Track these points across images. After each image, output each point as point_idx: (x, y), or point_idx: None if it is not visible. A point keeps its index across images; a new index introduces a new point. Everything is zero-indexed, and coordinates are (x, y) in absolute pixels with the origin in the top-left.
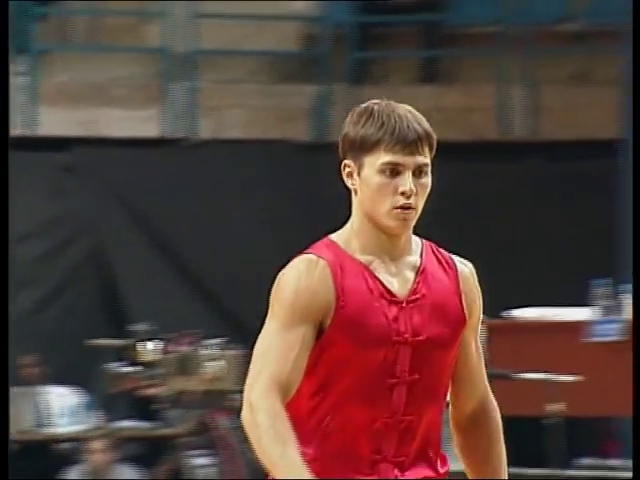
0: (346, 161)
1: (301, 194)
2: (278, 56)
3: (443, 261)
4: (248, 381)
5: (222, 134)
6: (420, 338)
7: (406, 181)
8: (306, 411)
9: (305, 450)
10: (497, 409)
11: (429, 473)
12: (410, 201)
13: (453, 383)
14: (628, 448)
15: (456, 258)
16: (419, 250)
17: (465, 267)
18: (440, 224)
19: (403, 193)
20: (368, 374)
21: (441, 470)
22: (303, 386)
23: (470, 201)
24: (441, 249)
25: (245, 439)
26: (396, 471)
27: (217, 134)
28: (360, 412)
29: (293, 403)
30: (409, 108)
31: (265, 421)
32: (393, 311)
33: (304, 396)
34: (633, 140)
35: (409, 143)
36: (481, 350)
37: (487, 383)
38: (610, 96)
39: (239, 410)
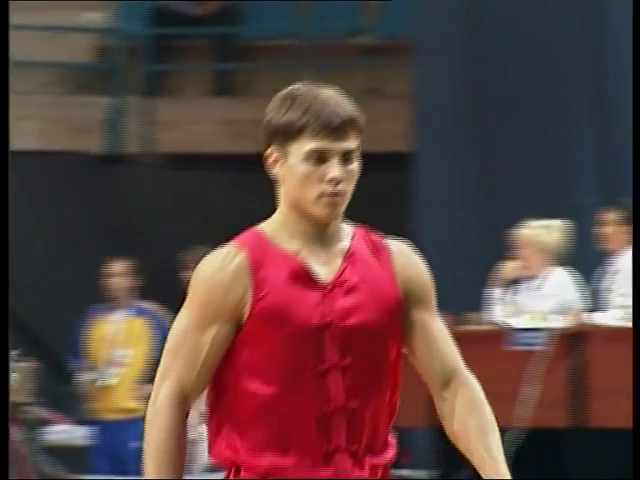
0: (270, 149)
1: (94, 206)
2: (71, 68)
3: (375, 244)
4: (157, 377)
5: (15, 145)
6: (347, 322)
7: (334, 168)
8: (249, 409)
9: (259, 451)
10: (474, 383)
11: (381, 461)
12: (339, 188)
13: (419, 365)
14: (420, 459)
15: (391, 240)
16: (350, 236)
17: (398, 247)
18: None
19: (331, 180)
20: (297, 362)
21: (388, 456)
22: (240, 386)
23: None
24: (374, 233)
25: (36, 451)
26: (352, 461)
27: (10, 145)
28: (299, 402)
29: (237, 403)
30: (334, 91)
31: (159, 434)
32: (317, 297)
33: (243, 396)
34: (633, 141)
35: (334, 129)
36: (443, 326)
37: (459, 359)
38: (401, 109)
39: (32, 422)
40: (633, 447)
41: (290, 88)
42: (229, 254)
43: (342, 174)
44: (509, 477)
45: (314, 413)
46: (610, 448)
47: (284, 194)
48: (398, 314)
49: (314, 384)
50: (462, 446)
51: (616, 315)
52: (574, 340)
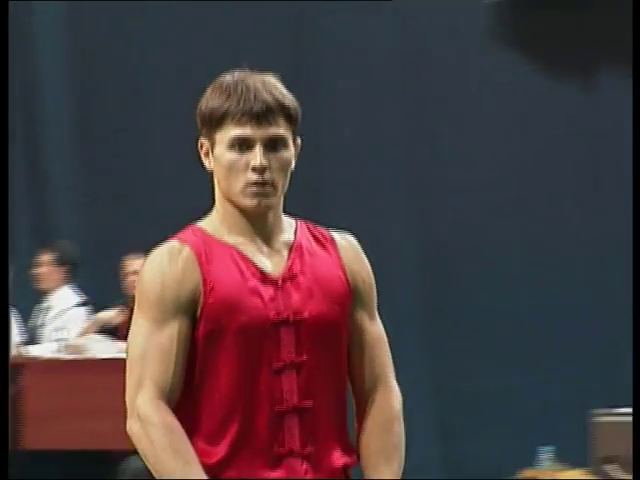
0: (201, 139)
1: None
2: None
3: (320, 237)
4: (129, 390)
5: None
6: (303, 316)
7: (256, 155)
8: (206, 405)
9: (210, 451)
10: (396, 395)
11: (338, 463)
12: (264, 177)
13: (349, 367)
14: None
15: (335, 232)
16: (292, 228)
17: (345, 240)
18: None
19: (255, 168)
20: (250, 360)
21: (349, 458)
22: (199, 381)
23: None
24: (318, 226)
25: None
26: (305, 465)
27: None
28: (252, 401)
29: (196, 398)
30: (263, 77)
31: (160, 437)
32: (269, 291)
33: (201, 391)
34: (633, 143)
35: (256, 114)
36: (379, 333)
37: (388, 367)
38: None
39: None
40: (633, 447)
41: (221, 76)
42: (174, 249)
43: (266, 162)
44: None
45: (267, 413)
46: (43, 467)
47: (217, 187)
48: (348, 307)
49: (268, 382)
50: (363, 460)
51: (50, 348)
52: (12, 371)
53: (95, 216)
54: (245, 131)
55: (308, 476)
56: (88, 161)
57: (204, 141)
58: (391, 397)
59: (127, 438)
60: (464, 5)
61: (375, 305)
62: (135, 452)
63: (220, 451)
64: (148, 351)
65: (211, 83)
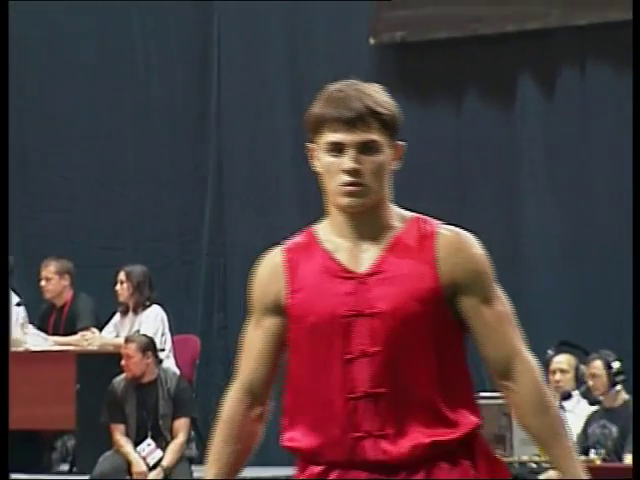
0: (309, 144)
1: None
2: None
3: (424, 233)
4: (236, 370)
5: None
6: (378, 310)
7: (348, 160)
8: (285, 399)
9: (295, 437)
10: (531, 371)
11: (423, 441)
12: (354, 179)
13: (479, 348)
14: None
15: (443, 227)
16: (401, 225)
17: (447, 234)
18: None
19: (346, 171)
20: (322, 352)
21: (440, 435)
22: (290, 378)
23: None
24: (430, 221)
25: None
26: (382, 445)
27: None
28: (325, 392)
29: (289, 393)
30: (362, 87)
31: (217, 431)
32: (347, 287)
33: (291, 386)
34: (633, 145)
35: (348, 121)
36: (499, 313)
37: (517, 341)
38: None
39: None
40: (634, 446)
41: (327, 87)
42: (269, 257)
43: (358, 164)
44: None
45: (341, 400)
46: None
47: (324, 188)
48: (436, 303)
49: (340, 372)
50: (534, 441)
51: None
52: None
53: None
54: (338, 136)
55: (387, 455)
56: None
57: (311, 146)
58: (530, 371)
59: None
60: (351, 47)
61: (491, 288)
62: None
63: (302, 440)
64: (244, 345)
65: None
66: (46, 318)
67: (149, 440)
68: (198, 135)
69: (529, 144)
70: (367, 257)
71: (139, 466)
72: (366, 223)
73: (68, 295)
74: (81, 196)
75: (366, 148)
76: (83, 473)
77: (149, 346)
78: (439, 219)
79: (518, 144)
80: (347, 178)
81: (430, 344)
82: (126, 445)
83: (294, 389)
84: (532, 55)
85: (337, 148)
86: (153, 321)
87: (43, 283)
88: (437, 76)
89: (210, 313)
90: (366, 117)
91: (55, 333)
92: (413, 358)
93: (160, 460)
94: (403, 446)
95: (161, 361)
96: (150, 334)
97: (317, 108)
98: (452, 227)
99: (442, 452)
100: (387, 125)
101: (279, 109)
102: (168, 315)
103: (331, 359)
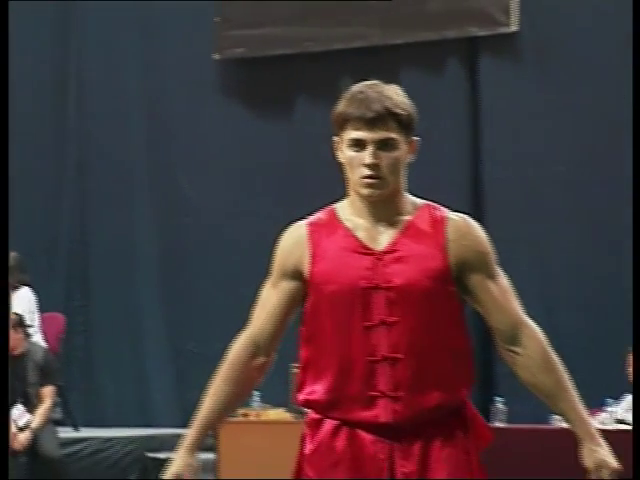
0: (334, 137)
1: None
2: None
3: (435, 218)
4: (249, 321)
5: None
6: (393, 284)
7: (368, 154)
8: (306, 358)
9: (312, 391)
10: (536, 333)
11: (431, 403)
12: (373, 172)
13: (488, 322)
14: None
15: (452, 214)
16: (415, 210)
17: (456, 221)
18: None
19: (367, 165)
20: (343, 318)
21: (446, 399)
22: (311, 340)
23: None
24: (441, 209)
25: None
26: (395, 405)
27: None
28: (342, 353)
29: (309, 354)
30: (383, 87)
31: (223, 364)
32: (367, 262)
33: (303, 344)
34: (633, 143)
35: (369, 120)
36: (504, 287)
37: (520, 313)
38: None
39: None
40: (633, 447)
41: (354, 86)
42: (295, 227)
43: (377, 160)
44: (598, 438)
45: (361, 362)
46: None
47: (346, 176)
48: (445, 281)
49: (361, 337)
50: (543, 399)
51: None
52: None
53: None
54: (359, 134)
55: (397, 415)
56: None
57: (336, 139)
58: (538, 336)
59: None
60: (198, 61)
61: (494, 266)
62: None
63: (323, 394)
64: (259, 301)
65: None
66: None
67: (19, 405)
68: (59, 134)
69: None
70: (384, 238)
71: (10, 428)
72: (383, 209)
73: None
74: None
75: (384, 145)
76: None
77: (19, 323)
78: (274, 213)
79: None
80: (367, 171)
81: (441, 317)
82: None
83: (315, 348)
84: (356, 69)
85: (359, 144)
86: (22, 301)
87: None
88: (273, 87)
89: (72, 294)
90: (385, 117)
91: None
92: (426, 329)
93: (29, 423)
94: (412, 409)
95: (30, 336)
96: (20, 312)
97: (342, 107)
98: (460, 214)
99: (442, 417)
100: (403, 124)
101: (134, 115)
102: (38, 295)
103: (352, 325)
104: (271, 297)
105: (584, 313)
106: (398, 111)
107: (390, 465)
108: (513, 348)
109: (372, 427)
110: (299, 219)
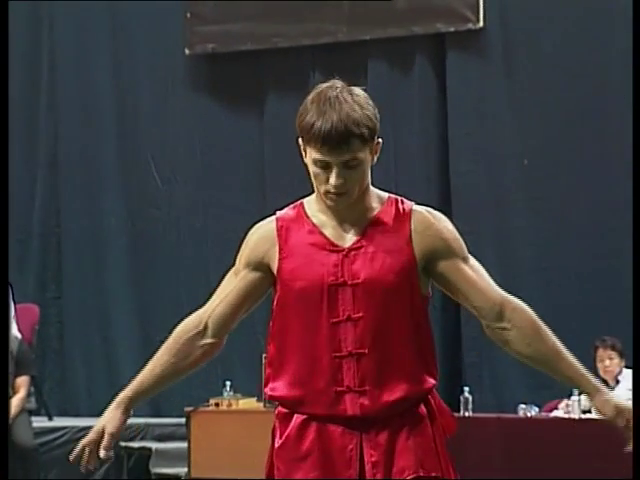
0: (299, 140)
1: None
2: None
3: (401, 212)
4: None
5: None
6: (359, 280)
7: (333, 177)
8: (272, 354)
9: (277, 387)
10: (521, 304)
11: (396, 396)
12: (340, 190)
13: (468, 305)
14: None
15: (417, 206)
16: (380, 205)
17: (421, 213)
18: None
19: (331, 185)
20: (311, 314)
21: (412, 391)
22: (278, 335)
23: None
24: (406, 202)
25: None
26: (361, 399)
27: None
28: (309, 349)
29: (277, 349)
30: (345, 103)
31: (163, 345)
32: (333, 259)
33: (270, 340)
34: (633, 141)
35: (334, 145)
36: (478, 268)
37: (499, 290)
38: None
39: None
40: (633, 446)
41: (324, 86)
42: (264, 223)
43: (341, 180)
44: (605, 389)
45: (327, 358)
46: None
47: (310, 177)
48: (410, 275)
49: (328, 333)
50: (541, 367)
51: None
52: None
53: None
54: (324, 157)
55: (364, 409)
56: None
57: (300, 142)
58: (522, 307)
59: None
60: (169, 57)
61: (464, 251)
62: None
63: (288, 390)
64: (219, 289)
65: (312, 94)
66: None
67: None
68: (31, 128)
69: None
70: (350, 234)
71: None
72: (350, 208)
73: None
74: None
75: (349, 165)
76: None
77: None
78: (243, 206)
79: None
80: (332, 189)
81: (405, 311)
82: None
83: (281, 344)
84: (324, 65)
85: (322, 164)
86: None
87: None
88: (243, 83)
89: (46, 285)
90: (349, 140)
91: None
92: (391, 323)
93: None
94: (378, 402)
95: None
96: None
97: (305, 120)
98: (425, 207)
99: (408, 407)
100: (367, 139)
101: (105, 109)
102: (12, 288)
103: (319, 321)
104: (230, 284)
105: (551, 305)
106: (361, 131)
107: (359, 454)
108: (501, 325)
109: (340, 420)
110: (268, 212)
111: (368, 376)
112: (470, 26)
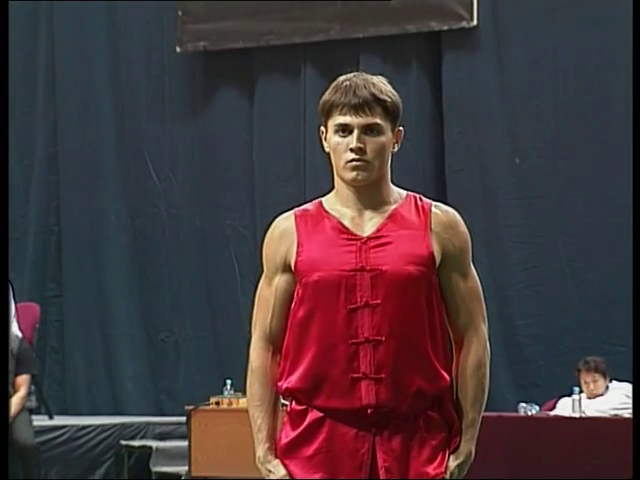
0: (321, 127)
1: None
2: None
3: (420, 208)
4: (253, 326)
5: None
6: (378, 268)
7: (353, 139)
8: (287, 346)
9: (293, 379)
10: (480, 342)
11: (412, 387)
12: (358, 155)
13: (447, 310)
14: None
15: (437, 205)
16: (400, 200)
17: (441, 212)
18: None
19: (352, 149)
20: (329, 303)
21: (426, 384)
22: (296, 327)
23: None
24: (425, 199)
25: None
26: (377, 387)
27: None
28: (325, 337)
29: (294, 341)
30: (368, 77)
31: (254, 386)
32: (352, 247)
33: (289, 333)
34: (633, 140)
35: (354, 105)
36: (471, 289)
37: (475, 317)
38: None
39: None
40: (633, 446)
41: (340, 77)
42: (281, 220)
43: (362, 144)
44: (465, 450)
45: (344, 345)
46: None
47: (332, 166)
48: (429, 267)
49: (345, 319)
50: (456, 395)
51: None
52: None
53: None
54: (345, 119)
55: (379, 397)
56: None
57: (322, 128)
58: (478, 343)
59: None
60: (162, 54)
61: (468, 266)
62: None
63: (304, 380)
64: (259, 302)
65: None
66: None
67: None
68: (29, 124)
69: (313, 134)
70: (369, 224)
71: None
72: (369, 196)
73: None
74: None
75: (370, 130)
76: None
77: None
78: (242, 204)
79: (304, 132)
80: (352, 155)
81: (422, 302)
82: None
83: (297, 337)
84: (317, 63)
85: (344, 129)
86: None
87: None
88: (235, 81)
89: (46, 283)
90: (371, 103)
91: None
92: (408, 312)
93: None
94: (394, 391)
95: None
96: None
97: (328, 95)
98: (445, 206)
99: (423, 409)
100: (389, 111)
101: (103, 106)
102: (13, 286)
103: (337, 307)
104: (269, 296)
105: (542, 304)
106: (384, 97)
107: (371, 459)
108: (460, 346)
109: (354, 416)
110: (263, 210)
111: (384, 364)
112: (464, 24)
